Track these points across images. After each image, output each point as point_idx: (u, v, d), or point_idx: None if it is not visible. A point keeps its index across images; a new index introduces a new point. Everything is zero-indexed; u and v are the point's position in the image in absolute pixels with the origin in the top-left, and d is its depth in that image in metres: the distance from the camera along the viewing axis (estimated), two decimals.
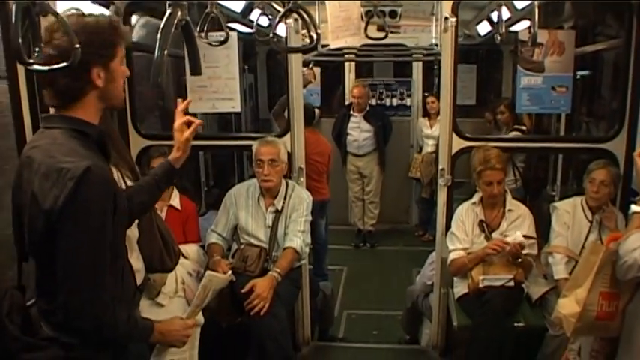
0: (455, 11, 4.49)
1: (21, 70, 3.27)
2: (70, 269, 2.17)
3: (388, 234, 8.94)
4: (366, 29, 4.51)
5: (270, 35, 2.75)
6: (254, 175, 4.70)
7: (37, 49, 1.89)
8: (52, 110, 2.43)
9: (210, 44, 3.10)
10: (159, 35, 2.42)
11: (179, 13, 2.40)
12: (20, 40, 1.82)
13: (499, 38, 3.81)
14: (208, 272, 3.27)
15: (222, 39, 3.08)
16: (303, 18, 2.37)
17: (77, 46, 1.96)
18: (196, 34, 2.94)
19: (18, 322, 2.37)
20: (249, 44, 8.12)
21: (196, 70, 2.85)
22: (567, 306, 2.96)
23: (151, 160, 4.58)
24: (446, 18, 4.48)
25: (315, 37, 2.39)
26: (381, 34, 4.79)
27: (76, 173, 2.11)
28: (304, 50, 3.55)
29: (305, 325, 5.10)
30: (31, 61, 1.88)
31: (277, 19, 2.61)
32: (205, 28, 3.03)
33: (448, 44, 4.55)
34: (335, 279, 6.99)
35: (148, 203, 3.03)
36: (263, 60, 9.09)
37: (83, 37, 2.11)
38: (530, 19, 5.23)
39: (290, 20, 4.30)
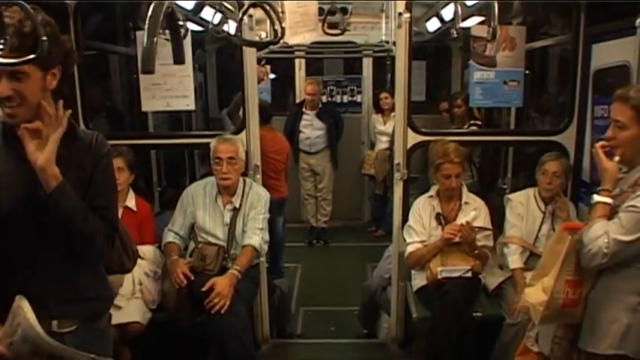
0: (409, 7, 4.55)
1: None
2: None
3: (341, 230, 8.97)
4: (323, 25, 4.53)
5: (230, 31, 2.74)
6: (206, 174, 4.66)
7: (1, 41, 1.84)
8: None
9: (168, 40, 3.04)
10: (147, 23, 2.35)
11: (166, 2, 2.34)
12: None
13: (455, 34, 3.86)
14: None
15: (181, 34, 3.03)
16: (267, 11, 2.36)
17: (44, 38, 1.93)
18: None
19: None
20: (198, 42, 8.04)
21: (179, 59, 2.79)
22: (534, 295, 3.00)
23: None
24: (400, 14, 4.53)
25: (279, 30, 2.37)
26: (336, 31, 4.81)
27: None
28: (269, 43, 3.53)
29: (264, 322, 5.09)
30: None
31: (240, 13, 2.59)
32: (162, 25, 2.97)
33: (402, 40, 4.60)
34: (290, 276, 6.96)
35: None
36: (213, 58, 9.02)
37: None
38: (481, 16, 5.37)
39: (245, 17, 4.31)
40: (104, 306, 2.70)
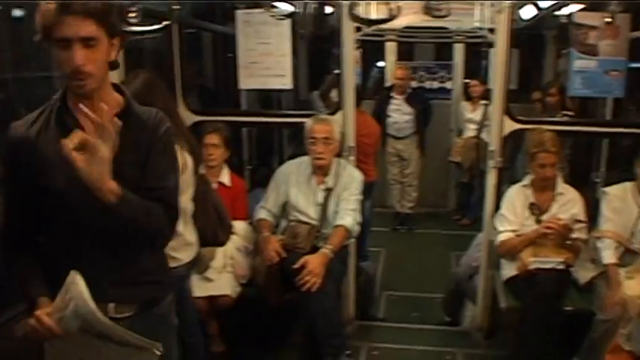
0: None
1: None
2: None
3: (426, 217, 8.90)
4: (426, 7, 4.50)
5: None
6: (294, 155, 4.70)
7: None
8: None
9: (274, 17, 3.09)
10: None
11: None
12: None
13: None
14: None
15: (287, 13, 3.07)
16: None
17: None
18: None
19: None
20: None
21: (322, 29, 2.78)
22: (633, 288, 2.94)
23: (204, 136, 4.61)
24: None
25: (395, 8, 2.38)
26: (440, 13, 4.75)
27: None
28: (383, 21, 3.54)
29: (349, 303, 5.12)
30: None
31: None
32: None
33: (503, 25, 4.51)
34: (374, 260, 6.99)
35: None
36: (304, 39, 9.07)
37: None
38: (581, 3, 5.22)
39: None
40: (164, 290, 2.58)
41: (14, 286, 2.34)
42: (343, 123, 4.73)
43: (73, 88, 2.22)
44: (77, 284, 2.13)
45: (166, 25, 1.90)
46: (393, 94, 8.32)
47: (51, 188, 2.23)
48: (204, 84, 7.22)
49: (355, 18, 2.75)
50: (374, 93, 9.24)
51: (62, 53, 2.12)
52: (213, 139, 4.63)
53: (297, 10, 6.13)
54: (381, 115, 8.17)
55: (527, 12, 7.27)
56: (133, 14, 1.84)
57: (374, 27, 6.42)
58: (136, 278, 2.42)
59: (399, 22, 4.72)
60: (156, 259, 2.54)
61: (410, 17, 4.46)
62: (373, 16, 4.01)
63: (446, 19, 7.20)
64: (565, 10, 5.63)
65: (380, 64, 9.70)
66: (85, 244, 2.31)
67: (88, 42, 2.12)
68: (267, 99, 7.71)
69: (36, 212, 2.30)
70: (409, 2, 4.24)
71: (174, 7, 1.91)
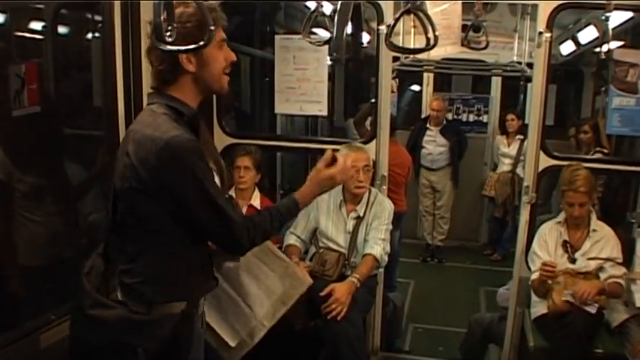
0: (550, 25, 4.41)
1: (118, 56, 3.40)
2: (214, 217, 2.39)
3: (456, 250, 8.82)
4: (465, 37, 4.47)
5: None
6: None
7: (169, 28, 1.92)
8: None
9: (312, 43, 3.09)
10: (336, 17, 2.41)
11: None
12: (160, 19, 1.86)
13: (603, 54, 3.73)
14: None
15: (324, 39, 3.07)
16: (420, 19, 2.37)
17: (211, 27, 2.00)
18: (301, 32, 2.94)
19: (95, 283, 2.49)
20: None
21: (357, 55, 2.88)
22: None
23: (235, 159, 4.64)
24: (540, 33, 4.42)
25: (432, 38, 2.37)
26: (479, 46, 4.73)
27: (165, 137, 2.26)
28: (420, 51, 3.53)
29: (375, 334, 5.06)
30: (168, 40, 1.91)
31: (394, 21, 2.60)
32: (308, 28, 3.02)
33: (541, 60, 4.47)
34: (402, 292, 6.92)
35: None
36: (341, 67, 9.12)
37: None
38: (621, 40, 5.17)
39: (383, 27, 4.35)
40: None
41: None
42: (376, 151, 4.72)
43: (222, 87, 2.50)
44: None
45: (200, 47, 1.90)
46: (428, 125, 8.31)
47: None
48: (242, 108, 7.28)
49: (393, 47, 2.75)
50: (406, 114, 9.25)
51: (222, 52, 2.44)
52: (244, 161, 4.65)
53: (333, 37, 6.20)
54: (415, 146, 8.17)
55: (567, 48, 7.25)
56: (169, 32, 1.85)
57: (411, 57, 6.42)
58: None
59: (436, 53, 4.69)
60: None
61: (448, 48, 4.43)
62: (411, 45, 4.03)
63: (484, 52, 7.24)
64: (605, 47, 5.56)
65: (414, 87, 9.69)
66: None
67: None
68: (302, 125, 7.74)
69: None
70: (447, 33, 4.21)
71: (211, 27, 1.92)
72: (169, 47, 1.92)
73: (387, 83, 4.67)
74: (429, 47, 2.45)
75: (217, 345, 2.99)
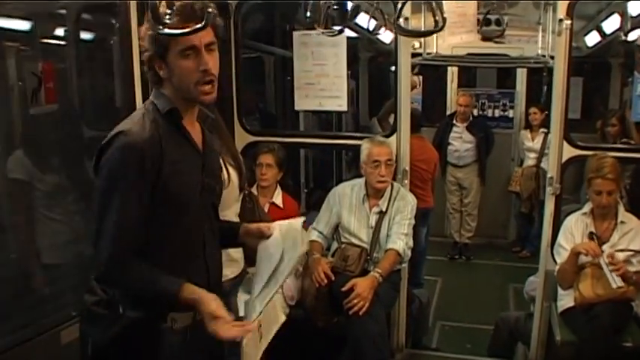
0: (570, 13, 4.34)
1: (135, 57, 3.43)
2: (95, 224, 2.23)
3: (484, 248, 8.73)
4: (480, 28, 4.44)
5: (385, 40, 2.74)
6: (353, 177, 4.69)
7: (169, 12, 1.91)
8: None
9: (325, 35, 3.09)
10: None
11: None
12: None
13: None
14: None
15: (336, 31, 3.06)
16: (429, 1, 2.34)
17: (210, 10, 2.02)
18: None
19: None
20: (351, 49, 8.16)
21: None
22: None
23: (258, 156, 4.65)
24: (560, 20, 4.35)
25: (440, 20, 2.35)
26: (494, 37, 4.69)
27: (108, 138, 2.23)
28: (429, 33, 3.51)
29: (400, 330, 5.02)
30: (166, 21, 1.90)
31: (400, 4, 2.58)
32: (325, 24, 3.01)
33: (562, 48, 4.41)
34: (429, 289, 6.87)
35: None
36: (365, 66, 9.12)
37: None
38: None
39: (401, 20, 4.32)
40: None
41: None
42: (397, 145, 4.70)
43: (200, 95, 2.32)
44: None
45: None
46: (454, 121, 8.26)
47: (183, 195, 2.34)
48: (265, 107, 7.31)
49: (401, 30, 2.73)
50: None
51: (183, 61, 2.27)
52: (267, 159, 4.66)
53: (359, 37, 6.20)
54: (441, 143, 8.13)
55: (592, 39, 7.14)
56: None
57: (434, 52, 6.38)
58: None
59: (452, 41, 4.65)
60: None
61: (463, 36, 4.39)
62: (420, 28, 4.00)
63: (508, 46, 7.18)
64: (632, 36, 5.48)
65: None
66: (202, 241, 2.48)
67: (211, 47, 2.30)
68: (327, 124, 7.74)
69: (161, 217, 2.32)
70: (461, 19, 4.18)
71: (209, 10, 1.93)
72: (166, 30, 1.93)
73: (406, 77, 4.64)
74: (437, 29, 2.42)
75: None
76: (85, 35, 4.25)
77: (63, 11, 3.99)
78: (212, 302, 2.23)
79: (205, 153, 2.47)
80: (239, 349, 2.30)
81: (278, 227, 2.60)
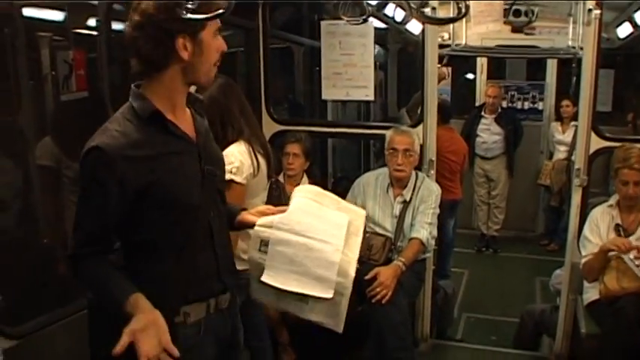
0: (599, 3, 4.31)
1: None
2: None
3: (512, 241, 8.68)
4: (507, 16, 4.41)
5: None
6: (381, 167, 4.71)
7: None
8: None
9: (350, 23, 3.09)
10: None
11: None
12: None
13: None
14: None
15: (362, 19, 3.07)
16: None
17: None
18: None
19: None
20: (380, 40, 8.15)
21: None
22: None
23: (285, 145, 4.70)
24: (589, 10, 4.31)
25: (463, 7, 2.35)
26: (522, 28, 4.67)
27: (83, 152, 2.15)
28: (452, 20, 3.50)
29: (425, 320, 5.04)
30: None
31: None
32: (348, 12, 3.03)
33: (591, 38, 4.38)
34: (456, 281, 6.86)
35: None
36: (394, 57, 9.10)
37: None
38: None
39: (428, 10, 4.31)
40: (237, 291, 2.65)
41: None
42: (423, 135, 4.69)
43: (209, 80, 2.32)
44: None
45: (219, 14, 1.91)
46: (483, 113, 8.21)
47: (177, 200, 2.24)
48: (293, 97, 7.35)
49: (424, 17, 2.73)
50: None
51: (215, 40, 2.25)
52: (293, 148, 4.70)
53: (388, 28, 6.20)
54: (469, 135, 8.08)
55: (624, 30, 7.04)
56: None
57: (463, 44, 6.37)
58: (234, 266, 2.60)
59: (478, 30, 4.63)
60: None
61: (490, 25, 4.37)
62: (443, 15, 4.00)
63: (539, 37, 7.12)
64: None
65: (469, 76, 9.60)
66: (211, 243, 2.39)
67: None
68: (355, 115, 7.76)
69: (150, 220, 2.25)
70: (488, 9, 4.16)
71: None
72: (191, 15, 1.92)
73: (433, 66, 4.65)
74: (460, 16, 2.42)
75: (323, 316, 2.68)
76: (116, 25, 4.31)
77: (95, 2, 4.05)
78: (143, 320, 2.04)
79: (199, 141, 2.35)
80: None
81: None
